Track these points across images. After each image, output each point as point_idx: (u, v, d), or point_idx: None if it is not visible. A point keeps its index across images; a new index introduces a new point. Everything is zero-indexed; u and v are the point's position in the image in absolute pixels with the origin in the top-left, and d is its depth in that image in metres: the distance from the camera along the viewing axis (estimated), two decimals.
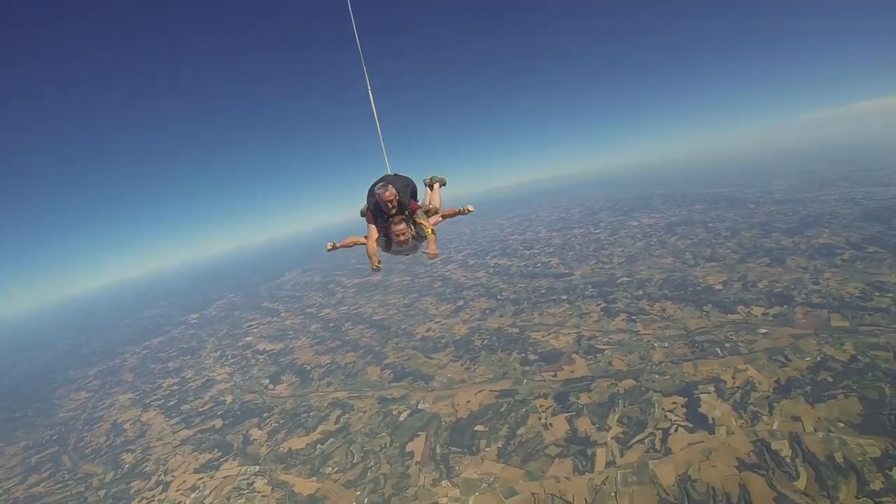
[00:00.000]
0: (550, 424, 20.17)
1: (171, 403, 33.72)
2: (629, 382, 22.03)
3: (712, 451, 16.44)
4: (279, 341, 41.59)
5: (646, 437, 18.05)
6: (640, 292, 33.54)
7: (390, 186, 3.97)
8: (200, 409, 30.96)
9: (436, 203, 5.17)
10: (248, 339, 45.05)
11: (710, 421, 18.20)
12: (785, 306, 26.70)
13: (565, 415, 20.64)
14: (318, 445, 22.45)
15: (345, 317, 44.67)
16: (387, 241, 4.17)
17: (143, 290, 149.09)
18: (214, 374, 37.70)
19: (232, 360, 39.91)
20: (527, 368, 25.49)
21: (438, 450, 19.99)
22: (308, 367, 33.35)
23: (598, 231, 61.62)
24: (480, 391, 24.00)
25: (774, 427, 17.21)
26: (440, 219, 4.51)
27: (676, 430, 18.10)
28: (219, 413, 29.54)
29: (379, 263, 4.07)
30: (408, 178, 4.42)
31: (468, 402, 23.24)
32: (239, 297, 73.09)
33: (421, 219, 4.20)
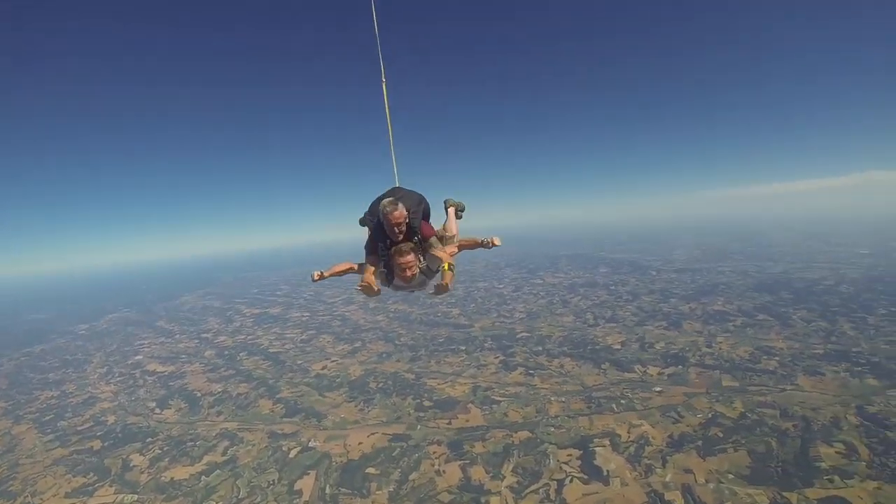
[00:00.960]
0: (444, 471, 36.03)
1: (47, 418, 57.02)
2: (524, 434, 39.87)
3: (607, 502, 31.00)
4: (171, 364, 70.08)
5: (540, 488, 33.11)
6: (540, 348, 61.65)
7: (400, 205, 6.32)
8: (79, 428, 52.64)
9: (452, 230, 8.14)
10: (138, 357, 76.83)
11: (605, 473, 33.96)
12: (679, 367, 51.72)
13: (459, 462, 36.81)
14: (203, 477, 38.33)
15: (241, 346, 76.86)
16: (388, 273, 6.57)
17: (30, 292, 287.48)
18: (98, 392, 64.58)
19: (119, 379, 68.85)
20: (421, 414, 45.31)
21: (328, 490, 35.16)
22: (198, 394, 56.33)
23: (501, 286, 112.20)
24: (373, 433, 42.29)
25: (668, 479, 32.71)
26: (456, 250, 7.10)
27: (571, 481, 33.66)
28: (98, 434, 50.10)
29: (379, 290, 6.68)
30: (421, 195, 7.03)
31: (360, 443, 41.04)
32: (133, 313, 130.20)
33: (436, 249, 6.64)
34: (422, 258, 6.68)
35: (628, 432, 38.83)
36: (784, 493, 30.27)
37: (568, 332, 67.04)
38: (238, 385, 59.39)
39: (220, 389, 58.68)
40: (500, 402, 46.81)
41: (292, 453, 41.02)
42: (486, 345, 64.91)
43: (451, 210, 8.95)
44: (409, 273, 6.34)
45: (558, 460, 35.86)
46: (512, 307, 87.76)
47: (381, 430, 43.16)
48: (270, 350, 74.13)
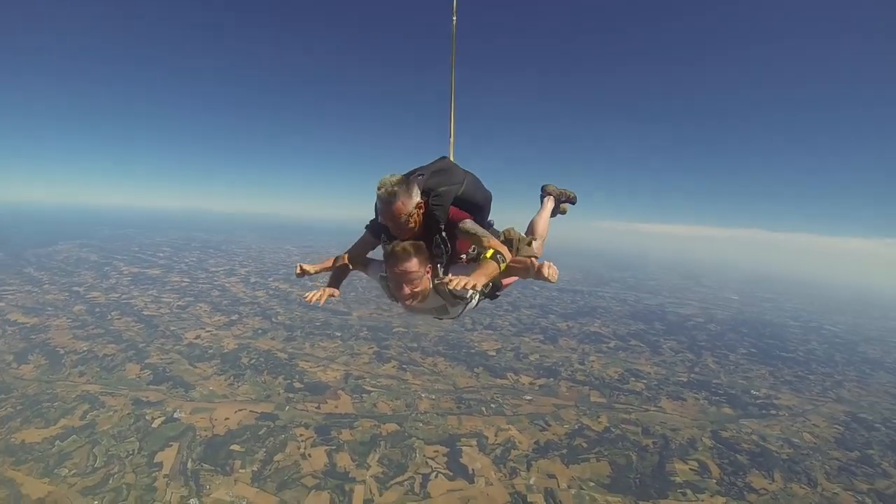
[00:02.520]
0: (309, 455, 37.17)
1: None
2: (392, 426, 41.79)
3: (470, 499, 32.99)
4: (35, 315, 70.08)
5: (405, 480, 34.80)
6: (415, 344, 64.45)
7: (406, 190, 5.05)
8: None
9: (537, 230, 6.95)
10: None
11: (471, 472, 36.09)
12: (551, 379, 55.35)
13: (325, 448, 38.14)
14: (58, 442, 37.33)
15: (113, 304, 77.49)
16: (390, 290, 5.61)
17: None
18: None
19: None
20: (291, 395, 46.75)
21: (190, 465, 35.20)
22: (61, 351, 55.95)
23: None
24: (241, 410, 43.26)
25: (531, 482, 35.10)
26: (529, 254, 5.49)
27: (437, 476, 35.45)
28: None
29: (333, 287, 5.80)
30: (472, 176, 5.71)
31: (227, 419, 41.58)
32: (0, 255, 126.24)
33: (477, 235, 5.25)
34: (440, 269, 5.40)
35: (496, 435, 41.23)
36: (640, 503, 33.56)
37: (444, 334, 68.72)
38: (105, 345, 58.32)
39: (85, 348, 57.30)
40: (371, 392, 48.71)
41: (155, 423, 40.72)
42: (361, 334, 67.73)
43: (550, 201, 7.42)
44: (406, 290, 5.02)
45: (424, 455, 37.56)
46: (391, 301, 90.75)
47: (249, 408, 43.88)
48: (144, 312, 73.76)
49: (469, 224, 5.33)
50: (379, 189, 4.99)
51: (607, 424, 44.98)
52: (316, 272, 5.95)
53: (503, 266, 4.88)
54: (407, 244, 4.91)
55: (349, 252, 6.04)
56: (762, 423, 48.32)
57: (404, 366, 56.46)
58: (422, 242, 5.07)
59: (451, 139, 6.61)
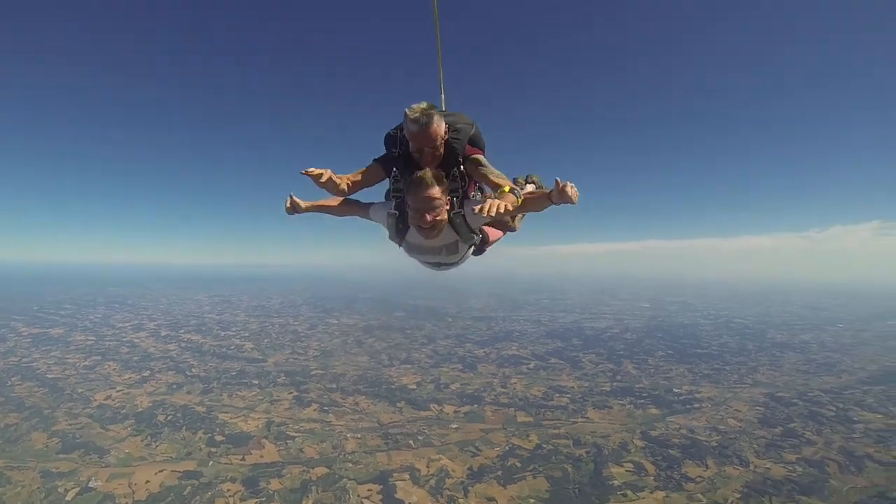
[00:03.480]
0: None
1: None
2: (322, 470, 41.31)
3: None
4: None
5: None
6: (334, 385, 64.84)
7: (435, 116, 5.08)
8: None
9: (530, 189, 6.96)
10: None
11: None
12: (475, 405, 55.83)
13: (255, 500, 37.14)
14: None
15: (13, 369, 73.24)
16: (400, 218, 5.58)
17: None
18: None
19: None
20: (213, 450, 45.18)
21: None
22: None
23: (296, 323, 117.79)
24: (161, 471, 41.18)
25: None
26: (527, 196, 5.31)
27: None
28: None
29: (344, 190, 5.57)
30: (472, 121, 5.77)
31: (147, 482, 39.61)
32: None
33: (490, 171, 5.50)
34: (457, 202, 5.48)
35: (427, 466, 41.19)
36: None
37: (363, 372, 69.44)
38: (7, 415, 54.28)
39: None
40: (295, 437, 48.01)
41: (69, 495, 38.00)
42: (279, 380, 67.87)
43: (530, 185, 7.63)
44: (428, 217, 5.07)
45: (359, 495, 37.37)
46: (306, 344, 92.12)
47: (170, 467, 42.00)
48: (48, 375, 69.59)
49: (484, 159, 5.67)
50: (413, 112, 5.03)
51: (538, 441, 45.59)
52: (308, 209, 5.86)
53: (520, 200, 5.05)
54: (432, 171, 5.08)
55: (353, 180, 5.71)
56: (688, 417, 50.62)
57: (326, 408, 56.33)
58: (442, 173, 5.27)
59: (442, 95, 6.70)
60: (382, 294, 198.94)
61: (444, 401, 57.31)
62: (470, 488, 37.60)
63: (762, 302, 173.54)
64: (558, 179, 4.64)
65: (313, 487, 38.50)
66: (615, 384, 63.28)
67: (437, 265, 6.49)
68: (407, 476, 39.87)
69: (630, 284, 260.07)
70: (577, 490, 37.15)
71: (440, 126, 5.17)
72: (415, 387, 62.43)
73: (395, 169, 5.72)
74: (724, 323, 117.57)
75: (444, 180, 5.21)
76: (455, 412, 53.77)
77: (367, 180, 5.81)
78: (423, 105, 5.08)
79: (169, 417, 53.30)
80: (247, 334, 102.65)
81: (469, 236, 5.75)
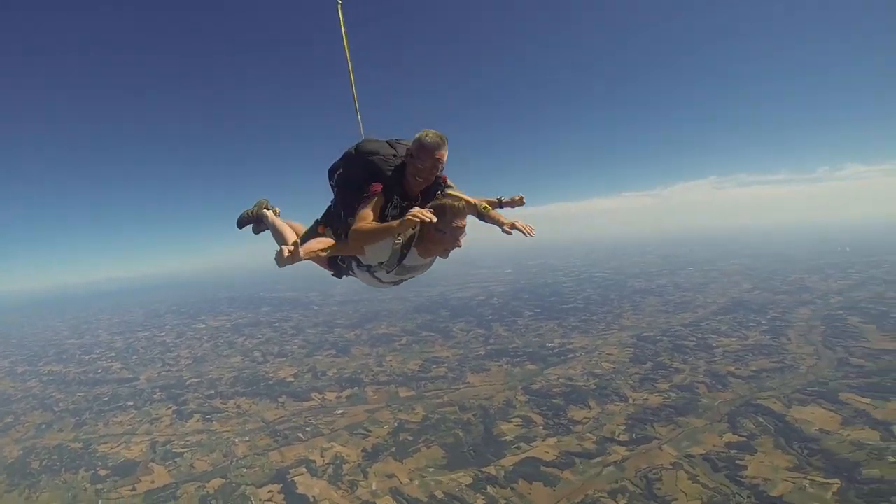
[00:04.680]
0: None
1: None
2: (218, 481, 40.56)
3: None
4: None
5: None
6: (212, 391, 63.60)
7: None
8: None
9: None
10: None
11: (311, 499, 36.26)
12: (356, 388, 57.14)
13: None
14: None
15: None
16: (402, 251, 5.49)
17: None
18: None
19: None
20: (100, 486, 42.66)
21: None
22: None
23: (163, 334, 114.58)
24: None
25: (374, 488, 36.14)
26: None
27: None
28: None
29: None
30: None
31: None
32: None
33: (460, 198, 5.63)
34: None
35: (322, 456, 41.85)
36: (483, 470, 36.06)
37: (238, 373, 68.88)
38: None
39: None
40: (183, 453, 46.57)
41: None
42: (155, 396, 65.66)
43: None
44: (461, 241, 5.27)
45: (260, 499, 37.28)
46: (177, 354, 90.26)
47: None
48: None
49: (452, 184, 5.98)
50: (427, 135, 5.25)
51: (424, 413, 47.39)
52: (308, 257, 4.94)
53: (486, 206, 6.01)
54: (453, 197, 5.37)
55: (363, 218, 5.29)
56: (565, 368, 54.39)
57: (208, 416, 55.43)
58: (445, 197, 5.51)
59: (359, 118, 6.70)
60: (244, 292, 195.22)
61: (325, 388, 58.22)
62: (368, 469, 38.63)
63: (619, 256, 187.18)
64: (522, 196, 6.21)
65: (213, 502, 38.01)
66: (489, 347, 66.40)
67: (410, 278, 6.45)
68: (304, 470, 40.30)
69: (492, 252, 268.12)
70: (472, 451, 39.09)
71: (445, 151, 5.42)
72: (293, 379, 63.03)
73: (396, 198, 5.53)
74: (586, 278, 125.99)
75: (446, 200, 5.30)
76: (337, 398, 54.75)
77: (376, 214, 5.32)
78: (435, 131, 5.36)
79: (44, 462, 49.44)
80: (113, 354, 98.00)
81: (449, 251, 5.84)
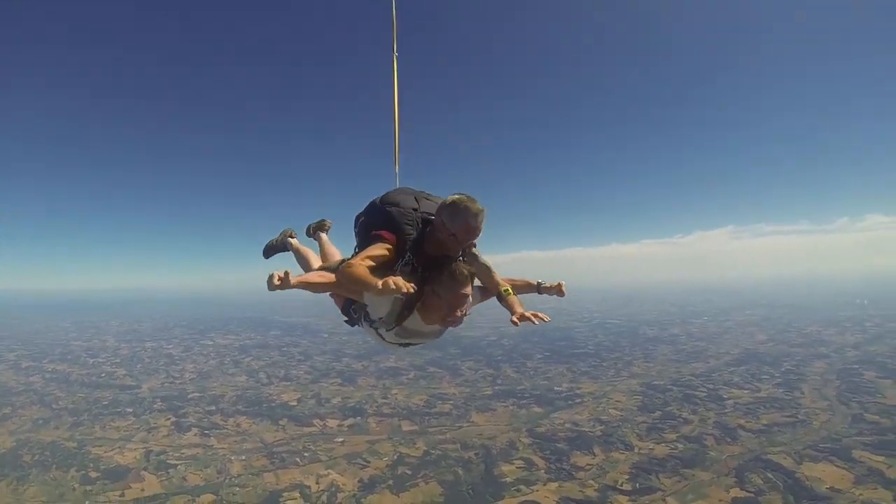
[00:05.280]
0: None
1: None
2: (208, 497, 39.95)
3: None
4: None
5: None
6: (213, 407, 63.03)
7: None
8: None
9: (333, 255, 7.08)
10: None
11: None
12: (358, 418, 56.59)
13: None
14: None
15: None
16: (404, 309, 5.05)
17: None
18: None
19: None
20: (88, 488, 42.81)
21: None
22: None
23: (170, 346, 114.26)
24: None
25: None
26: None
27: None
28: None
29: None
30: None
31: None
32: None
33: (490, 272, 5.46)
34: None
35: (317, 482, 41.09)
36: None
37: (241, 392, 69.25)
38: None
39: None
40: (177, 465, 46.22)
41: None
42: (155, 406, 64.54)
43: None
44: (459, 314, 4.88)
45: None
46: (182, 367, 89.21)
47: None
48: None
49: (478, 251, 5.37)
50: (470, 207, 4.73)
51: (425, 448, 46.65)
52: (299, 285, 4.45)
53: (508, 290, 5.60)
54: (466, 268, 4.85)
55: (363, 263, 4.71)
56: (571, 412, 53.15)
57: (207, 431, 54.72)
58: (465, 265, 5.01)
59: (397, 168, 6.58)
60: (257, 314, 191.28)
61: (327, 415, 57.25)
62: (363, 500, 37.85)
63: (632, 303, 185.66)
64: (562, 283, 5.99)
65: None
66: (496, 388, 65.49)
67: (413, 344, 6.04)
68: (297, 494, 39.60)
69: None
70: (470, 490, 38.22)
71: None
72: (296, 403, 62.55)
73: (409, 256, 5.07)
74: (598, 324, 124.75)
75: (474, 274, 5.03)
76: (339, 426, 54.00)
77: (375, 262, 4.81)
78: (475, 200, 4.83)
79: (36, 457, 49.71)
80: (118, 360, 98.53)
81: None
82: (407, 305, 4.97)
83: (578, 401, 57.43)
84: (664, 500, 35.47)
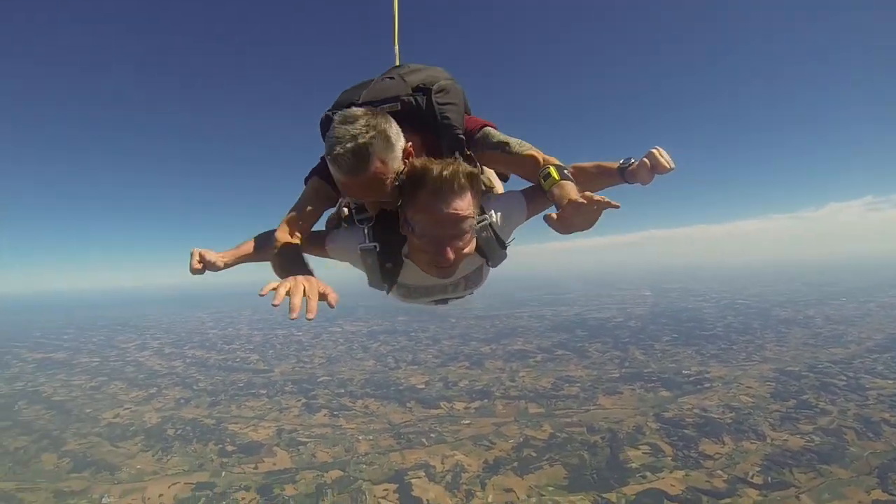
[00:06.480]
0: None
1: None
2: (336, 473, 41.53)
3: None
4: None
5: None
6: (342, 390, 65.26)
7: (379, 140, 2.83)
8: None
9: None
10: None
11: (426, 502, 35.73)
12: (485, 400, 56.41)
13: None
14: None
15: (20, 394, 74.24)
16: (384, 252, 3.36)
17: None
18: None
19: None
20: (225, 460, 45.74)
21: None
22: None
23: (300, 334, 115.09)
24: (174, 484, 41.35)
25: (490, 500, 35.10)
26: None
27: None
28: None
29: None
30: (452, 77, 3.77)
31: (161, 495, 39.67)
32: None
33: (517, 153, 3.33)
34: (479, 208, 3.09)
35: (442, 463, 41.23)
36: (604, 495, 33.97)
37: (370, 375, 70.41)
38: (16, 438, 54.28)
39: None
40: (307, 443, 48.35)
41: None
42: (286, 388, 67.61)
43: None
44: (451, 253, 2.82)
45: (375, 496, 37.53)
46: (311, 353, 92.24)
47: (182, 480, 42.52)
48: (55, 398, 69.18)
49: (496, 132, 3.46)
50: (336, 145, 2.73)
51: (551, 431, 45.81)
52: (226, 265, 3.53)
53: (554, 171, 3.09)
54: (464, 169, 2.76)
55: (294, 223, 3.34)
56: (700, 397, 50.61)
57: (336, 412, 56.76)
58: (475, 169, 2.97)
59: (396, 47, 4.68)
60: (383, 301, 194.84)
61: (454, 398, 57.53)
62: (487, 481, 37.55)
63: (763, 282, 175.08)
64: (656, 150, 3.15)
65: (328, 491, 38.81)
66: (624, 370, 63.59)
67: (444, 301, 4.23)
68: (422, 473, 39.99)
69: (631, 275, 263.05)
70: (594, 475, 37.07)
71: (389, 164, 2.87)
72: (423, 386, 63.06)
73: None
74: (728, 304, 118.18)
75: (479, 178, 2.98)
76: (466, 408, 54.11)
77: (317, 211, 3.51)
78: (358, 123, 2.76)
79: (178, 431, 53.79)
80: (251, 346, 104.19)
81: (500, 254, 3.60)
82: (386, 255, 3.30)
83: (707, 385, 54.63)
84: (797, 497, 32.68)
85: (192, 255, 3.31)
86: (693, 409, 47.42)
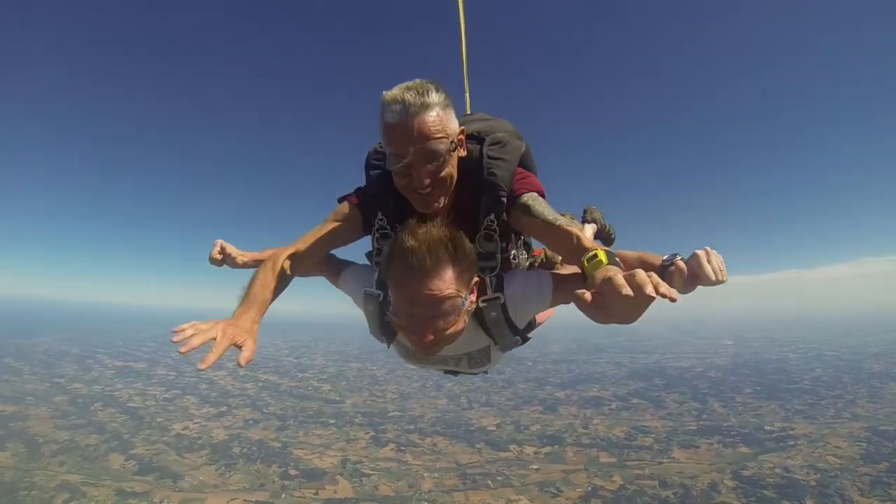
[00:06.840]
0: None
1: None
2: None
3: None
4: (14, 403, 69.53)
5: None
6: (412, 427, 65.10)
7: (436, 98, 2.57)
8: None
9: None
10: None
11: None
12: (556, 446, 54.96)
13: None
14: None
15: (97, 396, 77.31)
16: (385, 303, 2.96)
17: None
18: None
19: None
20: (286, 483, 46.89)
21: None
22: (41, 440, 55.40)
23: (374, 368, 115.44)
24: (233, 499, 43.01)
25: None
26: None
27: None
28: None
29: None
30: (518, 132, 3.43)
31: None
32: None
33: (563, 223, 2.75)
34: (492, 282, 2.98)
35: None
36: None
37: (441, 414, 69.99)
38: (88, 436, 57.44)
39: (66, 438, 56.31)
40: (371, 475, 48.86)
41: None
42: (356, 420, 69.10)
43: (591, 228, 5.13)
44: (428, 336, 2.39)
45: None
46: (385, 388, 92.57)
47: (242, 497, 43.79)
48: (129, 404, 73.36)
49: (543, 201, 2.94)
50: (393, 100, 2.50)
51: (621, 482, 44.33)
52: (244, 263, 3.51)
53: (603, 255, 2.38)
54: (441, 232, 2.38)
55: (307, 241, 3.04)
56: (783, 456, 47.75)
57: (403, 447, 56.87)
58: (463, 234, 2.53)
59: (467, 95, 4.60)
60: None
61: (524, 442, 56.74)
62: None
63: (853, 332, 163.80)
64: (702, 252, 2.67)
65: None
66: (701, 423, 60.84)
67: (453, 373, 3.94)
68: None
69: (711, 322, 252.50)
70: None
71: (446, 119, 2.59)
72: (494, 428, 62.08)
73: (380, 215, 3.06)
74: (815, 356, 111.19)
75: (469, 248, 2.52)
76: (535, 453, 53.08)
77: (333, 241, 3.16)
78: (416, 82, 2.58)
79: (244, 450, 55.26)
80: (324, 377, 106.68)
81: (512, 340, 3.20)
82: (386, 308, 2.76)
83: (791, 443, 51.23)
84: None
85: (215, 244, 3.48)
86: (774, 469, 44.67)
